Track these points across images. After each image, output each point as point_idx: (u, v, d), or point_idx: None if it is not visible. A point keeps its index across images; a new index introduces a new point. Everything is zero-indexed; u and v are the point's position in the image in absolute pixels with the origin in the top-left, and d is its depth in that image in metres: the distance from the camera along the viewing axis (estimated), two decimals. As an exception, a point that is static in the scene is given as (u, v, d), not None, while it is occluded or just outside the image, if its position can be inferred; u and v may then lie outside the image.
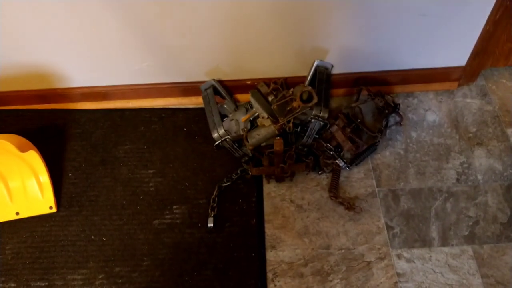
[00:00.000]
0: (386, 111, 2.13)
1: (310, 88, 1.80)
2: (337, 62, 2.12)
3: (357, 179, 2.05)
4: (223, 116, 2.10)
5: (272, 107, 1.90)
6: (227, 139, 1.95)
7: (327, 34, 1.96)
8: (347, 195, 2.01)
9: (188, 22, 1.88)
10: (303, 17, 1.87)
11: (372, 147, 2.09)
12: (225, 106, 2.17)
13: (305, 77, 2.10)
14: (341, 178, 2.05)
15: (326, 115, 1.87)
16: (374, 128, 2.17)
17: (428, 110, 2.24)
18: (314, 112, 1.87)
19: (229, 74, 2.20)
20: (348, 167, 2.06)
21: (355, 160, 2.07)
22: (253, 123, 2.07)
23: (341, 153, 2.09)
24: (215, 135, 1.97)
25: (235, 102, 2.21)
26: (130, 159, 2.14)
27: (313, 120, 1.87)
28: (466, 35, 2.03)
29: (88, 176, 2.09)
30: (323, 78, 1.99)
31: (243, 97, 2.29)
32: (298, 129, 2.02)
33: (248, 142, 1.98)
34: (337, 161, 2.06)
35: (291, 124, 1.89)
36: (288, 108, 1.89)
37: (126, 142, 2.19)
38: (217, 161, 2.10)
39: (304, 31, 1.94)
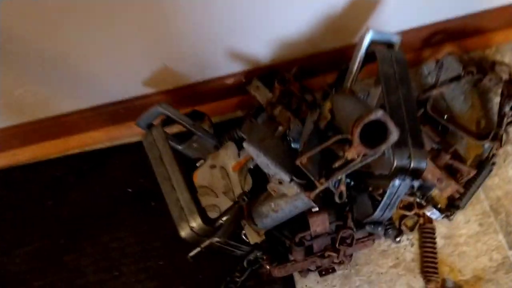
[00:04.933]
0: (503, 93, 1.10)
1: (380, 113, 0.75)
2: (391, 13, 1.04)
3: (468, 237, 1.09)
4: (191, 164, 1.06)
5: (299, 162, 0.86)
6: (216, 241, 0.93)
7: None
8: (459, 276, 1.06)
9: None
10: None
11: (485, 171, 1.10)
12: (194, 144, 1.11)
13: (344, 61, 1.02)
14: (439, 241, 1.09)
15: (422, 166, 0.84)
16: (479, 129, 1.16)
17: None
18: (396, 163, 0.83)
19: (189, 73, 1.13)
20: (448, 217, 1.09)
21: (458, 200, 1.09)
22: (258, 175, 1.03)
23: (428, 194, 1.10)
24: (184, 232, 0.93)
25: (212, 127, 1.15)
26: (35, 275, 1.12)
27: (396, 182, 0.83)
28: None
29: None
30: (392, 73, 0.91)
31: (225, 113, 1.23)
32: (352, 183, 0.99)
33: (256, 224, 0.98)
34: (426, 212, 1.08)
35: (343, 187, 0.87)
36: (336, 152, 0.85)
37: (26, 241, 1.16)
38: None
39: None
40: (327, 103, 0.93)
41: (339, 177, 0.86)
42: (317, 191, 0.87)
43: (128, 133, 1.24)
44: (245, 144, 0.88)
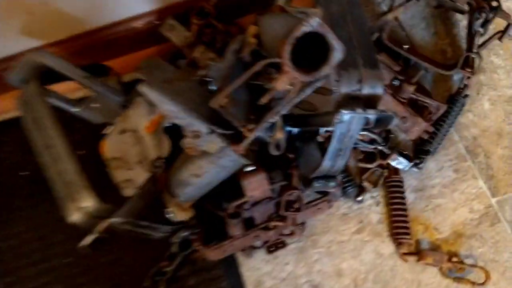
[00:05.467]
0: (472, 12, 0.90)
1: (316, 22, 0.54)
2: None
3: (443, 187, 0.90)
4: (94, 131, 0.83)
5: (215, 103, 0.64)
6: (116, 222, 0.69)
7: None
8: (435, 235, 0.87)
9: None
10: None
11: (456, 106, 0.91)
12: (94, 104, 0.87)
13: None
14: (409, 196, 0.89)
15: (377, 91, 0.62)
16: (446, 59, 0.97)
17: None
18: (342, 89, 0.61)
19: (85, 16, 0.89)
20: (417, 166, 0.89)
21: (427, 144, 0.89)
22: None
23: (391, 139, 0.91)
24: (74, 216, 0.69)
25: (121, 84, 0.90)
26: None
27: (345, 115, 0.61)
28: None
29: None
30: None
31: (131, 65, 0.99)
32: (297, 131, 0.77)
33: (177, 196, 0.75)
34: (391, 162, 0.88)
35: (279, 134, 0.65)
36: (265, 87, 0.64)
37: None
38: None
39: None
40: (251, 27, 0.70)
41: (272, 121, 0.64)
42: (246, 142, 0.65)
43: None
44: (142, 87, 0.65)
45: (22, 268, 0.87)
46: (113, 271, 0.87)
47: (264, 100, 0.61)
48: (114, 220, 0.67)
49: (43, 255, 0.88)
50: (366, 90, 0.62)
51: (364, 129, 0.68)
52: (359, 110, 0.60)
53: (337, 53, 0.57)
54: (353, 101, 0.62)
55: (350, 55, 0.64)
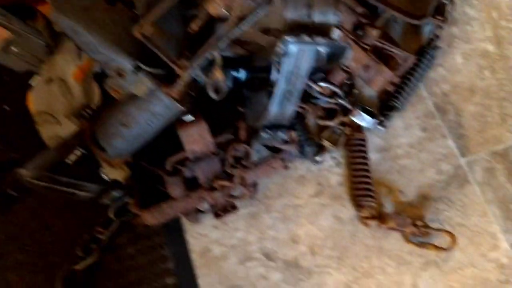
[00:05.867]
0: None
1: None
2: None
3: (409, 147, 0.82)
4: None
5: (138, 31, 0.53)
6: (24, 176, 0.59)
7: None
8: (400, 198, 0.79)
9: None
10: None
11: (426, 59, 0.82)
12: (14, 48, 0.76)
13: None
14: (373, 156, 0.81)
15: (329, 19, 0.53)
16: (416, 9, 0.88)
17: None
18: (287, 15, 0.51)
19: None
20: (382, 123, 0.81)
21: (392, 100, 0.81)
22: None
23: (354, 94, 0.82)
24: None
25: (49, 28, 0.79)
26: None
27: (291, 45, 0.52)
28: None
29: None
30: None
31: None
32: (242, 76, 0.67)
33: (105, 150, 0.65)
34: (353, 118, 0.80)
35: (218, 74, 0.56)
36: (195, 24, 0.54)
37: None
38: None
39: None
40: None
41: (209, 56, 0.55)
42: (179, 82, 0.56)
43: None
44: (52, 14, 0.55)
45: None
46: (41, 238, 0.77)
47: (193, 26, 0.52)
48: (21, 171, 0.57)
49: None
50: (317, 18, 0.53)
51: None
52: (306, 38, 0.51)
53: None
54: (301, 30, 0.53)
55: None
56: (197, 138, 0.65)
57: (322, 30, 0.55)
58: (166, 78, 0.57)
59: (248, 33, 0.58)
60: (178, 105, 0.59)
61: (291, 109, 0.62)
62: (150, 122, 0.62)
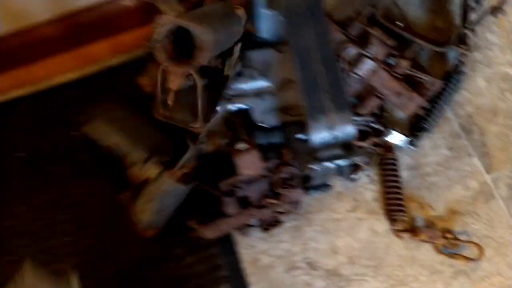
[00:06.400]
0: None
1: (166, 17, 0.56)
2: None
3: (437, 165, 0.90)
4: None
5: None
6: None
7: None
8: (430, 214, 0.87)
9: None
10: None
11: (452, 83, 0.90)
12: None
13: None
14: (403, 174, 0.90)
15: (349, 133, 0.64)
16: (440, 36, 0.96)
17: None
18: (313, 140, 0.63)
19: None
20: (412, 143, 0.90)
21: (422, 122, 0.89)
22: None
23: (383, 116, 0.91)
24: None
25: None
26: None
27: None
28: None
29: None
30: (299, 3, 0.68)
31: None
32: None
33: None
34: (388, 138, 0.88)
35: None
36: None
37: None
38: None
39: None
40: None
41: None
42: (179, 165, 0.69)
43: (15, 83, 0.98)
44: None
45: (21, 247, 0.88)
46: (113, 253, 0.88)
47: (169, 101, 0.62)
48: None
49: (43, 234, 0.89)
50: (340, 136, 0.63)
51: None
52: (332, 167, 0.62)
53: (204, 36, 0.56)
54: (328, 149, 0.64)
55: (317, 100, 0.65)
56: (250, 164, 0.75)
57: (346, 145, 0.66)
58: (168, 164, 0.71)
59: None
60: (182, 186, 0.73)
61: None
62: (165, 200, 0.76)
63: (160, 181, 0.76)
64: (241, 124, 0.77)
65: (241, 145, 0.74)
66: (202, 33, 0.55)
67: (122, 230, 0.87)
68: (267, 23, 0.74)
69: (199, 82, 0.60)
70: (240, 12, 0.66)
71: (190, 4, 0.88)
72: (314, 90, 0.63)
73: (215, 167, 0.79)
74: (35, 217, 0.90)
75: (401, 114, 0.91)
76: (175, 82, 0.59)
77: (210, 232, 0.82)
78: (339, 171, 0.88)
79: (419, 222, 0.87)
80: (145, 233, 0.81)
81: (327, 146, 0.68)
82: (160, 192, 0.77)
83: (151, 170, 0.77)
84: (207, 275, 0.85)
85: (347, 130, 0.65)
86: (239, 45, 0.68)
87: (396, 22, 0.90)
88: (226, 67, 0.67)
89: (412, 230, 0.86)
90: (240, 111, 0.77)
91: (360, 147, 0.89)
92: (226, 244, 0.87)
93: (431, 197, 0.88)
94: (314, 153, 0.71)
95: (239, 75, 0.74)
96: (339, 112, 0.64)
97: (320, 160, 0.71)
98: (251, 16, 0.71)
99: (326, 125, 0.65)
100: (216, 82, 0.67)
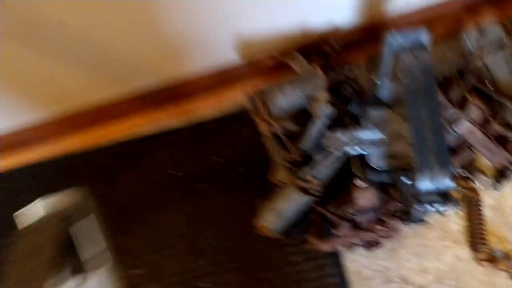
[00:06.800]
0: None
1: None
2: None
3: (517, 207, 1.07)
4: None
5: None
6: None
7: None
8: (508, 247, 1.05)
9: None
10: None
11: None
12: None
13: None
14: (486, 212, 1.08)
15: (447, 186, 0.86)
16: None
17: None
18: (419, 185, 0.84)
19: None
20: (496, 187, 1.08)
21: (506, 170, 1.07)
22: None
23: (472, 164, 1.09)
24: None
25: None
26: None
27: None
28: None
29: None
30: (417, 86, 0.88)
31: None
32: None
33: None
34: (476, 181, 1.07)
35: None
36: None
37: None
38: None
39: None
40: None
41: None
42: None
43: (171, 116, 1.27)
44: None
45: (176, 246, 1.16)
46: (245, 253, 1.13)
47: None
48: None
49: (192, 237, 1.16)
50: (440, 187, 0.83)
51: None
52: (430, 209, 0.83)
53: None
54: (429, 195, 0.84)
55: (425, 158, 0.84)
56: (366, 198, 0.97)
57: (444, 195, 0.86)
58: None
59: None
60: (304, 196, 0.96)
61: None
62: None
63: (287, 187, 0.98)
64: (359, 165, 0.99)
65: (360, 183, 0.96)
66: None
67: (251, 236, 1.12)
68: (387, 89, 0.97)
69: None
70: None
71: (318, 61, 1.11)
72: (423, 150, 0.82)
73: (331, 189, 1.02)
74: (187, 223, 1.17)
75: (487, 161, 1.09)
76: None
77: (325, 246, 1.04)
78: (435, 211, 1.08)
79: (498, 254, 1.05)
80: (265, 231, 1.04)
81: (429, 193, 0.87)
82: (285, 197, 1.01)
83: (282, 174, 0.98)
84: (319, 280, 1.08)
85: (447, 183, 0.84)
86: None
87: (488, 85, 1.09)
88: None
89: (492, 259, 1.03)
90: (358, 155, 0.98)
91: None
92: (335, 257, 1.09)
93: (510, 234, 1.06)
94: (417, 196, 0.91)
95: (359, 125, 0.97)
96: (442, 170, 0.84)
97: (422, 202, 0.92)
98: (376, 80, 0.95)
99: (430, 177, 0.84)
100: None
